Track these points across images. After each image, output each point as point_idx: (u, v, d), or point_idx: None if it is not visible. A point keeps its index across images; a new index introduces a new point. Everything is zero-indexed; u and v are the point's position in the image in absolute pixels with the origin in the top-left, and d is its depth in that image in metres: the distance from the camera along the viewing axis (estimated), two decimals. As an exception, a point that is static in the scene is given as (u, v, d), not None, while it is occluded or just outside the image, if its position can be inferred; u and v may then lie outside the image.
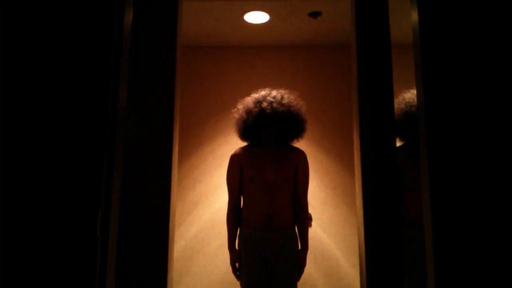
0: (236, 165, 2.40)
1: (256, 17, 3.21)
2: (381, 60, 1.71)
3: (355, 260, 3.33)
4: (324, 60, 3.69)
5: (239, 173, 2.39)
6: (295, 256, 2.32)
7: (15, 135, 1.15)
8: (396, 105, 2.32)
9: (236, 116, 2.48)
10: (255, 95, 2.45)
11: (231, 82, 3.65)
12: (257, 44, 3.67)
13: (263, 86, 3.57)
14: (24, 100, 1.17)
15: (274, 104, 2.36)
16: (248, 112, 2.40)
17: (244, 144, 2.49)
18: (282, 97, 2.40)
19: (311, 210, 3.42)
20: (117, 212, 1.24)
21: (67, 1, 1.23)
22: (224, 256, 3.31)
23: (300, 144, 2.55)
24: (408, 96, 2.32)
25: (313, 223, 3.41)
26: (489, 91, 1.19)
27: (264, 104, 2.37)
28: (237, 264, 2.34)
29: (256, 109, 2.38)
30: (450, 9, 1.24)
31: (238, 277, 2.33)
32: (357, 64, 1.74)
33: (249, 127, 2.39)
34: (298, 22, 3.28)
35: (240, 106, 2.47)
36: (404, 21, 1.62)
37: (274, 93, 2.43)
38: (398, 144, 2.35)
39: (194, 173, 3.53)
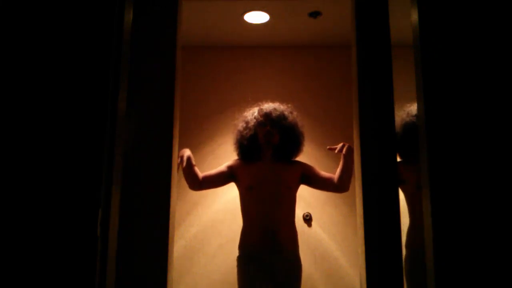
0: (226, 170, 2.34)
1: (256, 17, 3.21)
2: (381, 60, 1.71)
3: (355, 260, 3.33)
4: (324, 60, 3.69)
5: (223, 175, 2.33)
6: (298, 285, 2.21)
7: (15, 136, 1.15)
8: (397, 120, 2.29)
9: (235, 131, 2.43)
10: (253, 109, 2.42)
11: (231, 82, 3.65)
12: (257, 44, 3.67)
13: (263, 86, 3.56)
14: (24, 100, 1.17)
15: (273, 115, 2.32)
16: (247, 124, 2.36)
17: None
18: (280, 109, 2.37)
19: (311, 210, 3.42)
20: (117, 212, 1.24)
21: (67, 1, 1.23)
22: (224, 256, 3.30)
23: (300, 144, 2.53)
24: (409, 110, 2.30)
25: (313, 223, 3.41)
26: (490, 90, 1.19)
27: (263, 115, 2.33)
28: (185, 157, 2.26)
29: (254, 120, 2.34)
30: (450, 9, 1.24)
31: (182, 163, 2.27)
32: (357, 64, 1.74)
33: (248, 139, 2.32)
34: (298, 22, 3.28)
35: (239, 121, 2.43)
36: (404, 21, 1.62)
37: (272, 105, 2.40)
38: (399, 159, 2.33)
39: (194, 173, 3.52)
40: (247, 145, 2.35)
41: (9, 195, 1.12)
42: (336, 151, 2.33)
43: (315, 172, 2.38)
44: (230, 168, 2.37)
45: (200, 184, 2.33)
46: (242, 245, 2.27)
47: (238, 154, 2.41)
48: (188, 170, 2.29)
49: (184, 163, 2.29)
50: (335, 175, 2.33)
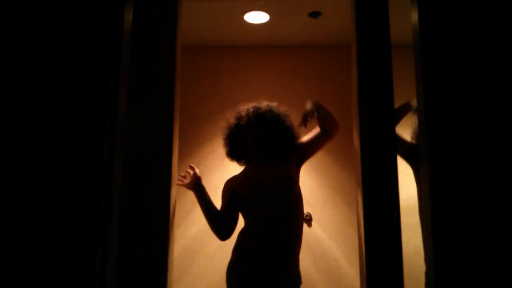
0: (228, 193, 2.21)
1: (256, 17, 3.21)
2: (381, 60, 1.71)
3: (355, 260, 3.33)
4: (324, 60, 3.69)
5: (229, 198, 2.19)
6: None
7: (14, 136, 1.15)
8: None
9: (226, 124, 2.29)
10: (248, 105, 2.27)
11: (231, 82, 3.65)
12: (257, 44, 3.67)
13: (263, 86, 3.56)
14: (23, 101, 1.17)
15: (268, 116, 2.18)
16: (239, 121, 2.22)
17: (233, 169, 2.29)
18: (277, 111, 2.21)
19: (311, 210, 3.42)
20: (117, 212, 1.23)
21: (67, 1, 1.23)
22: (224, 257, 3.30)
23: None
24: None
25: (313, 223, 3.42)
26: (490, 90, 1.19)
27: (257, 115, 2.19)
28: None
29: (247, 118, 2.19)
30: (450, 9, 1.24)
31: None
32: (357, 64, 1.74)
33: (238, 138, 2.20)
34: (298, 22, 3.28)
35: (231, 115, 2.30)
36: (404, 21, 1.62)
37: (269, 105, 2.24)
38: None
39: (194, 173, 3.53)
40: (236, 143, 2.22)
41: (8, 196, 1.12)
42: (308, 121, 2.15)
43: (304, 141, 2.20)
44: (230, 185, 2.21)
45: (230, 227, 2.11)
46: (240, 250, 2.07)
47: (227, 152, 2.28)
48: (209, 208, 2.13)
49: (196, 194, 2.13)
50: (318, 126, 2.17)
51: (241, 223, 2.23)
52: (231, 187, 2.21)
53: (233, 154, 2.28)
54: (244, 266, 2.02)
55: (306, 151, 2.22)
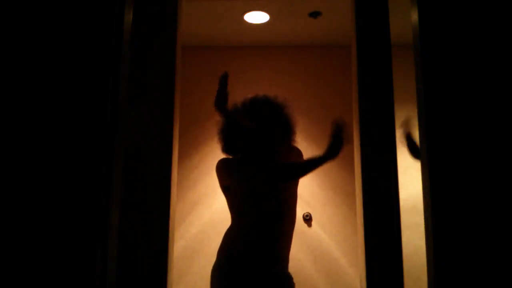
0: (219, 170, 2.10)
1: (256, 17, 3.21)
2: (381, 60, 1.71)
3: (355, 260, 3.33)
4: (324, 60, 3.69)
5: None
6: None
7: (14, 136, 1.15)
8: None
9: (218, 121, 2.18)
10: (246, 96, 2.15)
11: (231, 82, 3.64)
12: (257, 44, 3.67)
13: (263, 86, 3.55)
14: (23, 101, 1.17)
15: (257, 100, 2.07)
16: (235, 112, 2.10)
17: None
18: (264, 96, 2.10)
19: (311, 210, 3.42)
20: (117, 212, 1.23)
21: (67, 1, 1.23)
22: (224, 256, 3.30)
23: (300, 144, 2.53)
24: None
25: (313, 223, 3.42)
26: (490, 89, 1.19)
27: (253, 103, 2.08)
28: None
29: (242, 108, 2.09)
30: (450, 9, 1.24)
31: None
32: (357, 64, 1.74)
33: (233, 128, 2.09)
34: (298, 22, 3.28)
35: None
36: (404, 21, 1.62)
37: (266, 97, 2.12)
38: None
39: (194, 173, 3.53)
40: (231, 135, 2.11)
41: (8, 196, 1.12)
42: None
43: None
44: (220, 167, 2.11)
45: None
46: (228, 250, 1.93)
47: (222, 147, 2.18)
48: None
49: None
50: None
51: (228, 222, 2.16)
52: (224, 169, 2.10)
53: (229, 148, 2.16)
54: (233, 266, 1.88)
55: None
